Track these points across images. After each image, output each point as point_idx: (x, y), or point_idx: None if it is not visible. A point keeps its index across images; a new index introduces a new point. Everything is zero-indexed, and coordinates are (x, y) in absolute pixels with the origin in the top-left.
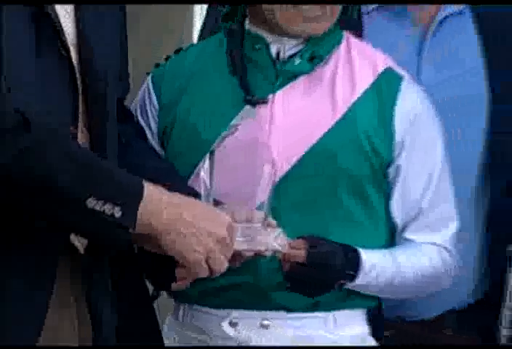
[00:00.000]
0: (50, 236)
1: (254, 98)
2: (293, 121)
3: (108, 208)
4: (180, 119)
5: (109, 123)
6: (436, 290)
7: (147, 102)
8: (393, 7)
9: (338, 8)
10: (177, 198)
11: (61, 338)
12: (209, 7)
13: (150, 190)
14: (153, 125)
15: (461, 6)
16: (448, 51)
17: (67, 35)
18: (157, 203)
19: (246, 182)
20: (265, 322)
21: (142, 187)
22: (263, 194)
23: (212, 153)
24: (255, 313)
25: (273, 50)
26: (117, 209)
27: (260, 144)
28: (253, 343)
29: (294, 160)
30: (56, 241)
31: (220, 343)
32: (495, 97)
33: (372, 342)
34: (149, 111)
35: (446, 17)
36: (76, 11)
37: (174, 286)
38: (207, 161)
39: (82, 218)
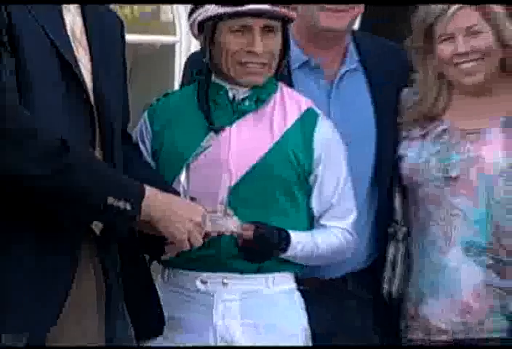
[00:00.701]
0: (75, 224)
1: (216, 127)
2: (244, 144)
3: (121, 203)
4: (166, 142)
5: (116, 145)
6: (341, 259)
7: (143, 129)
8: (311, 66)
9: (274, 66)
10: (166, 195)
11: (83, 294)
12: (184, 69)
13: (148, 190)
14: (148, 146)
15: (355, 65)
16: (347, 96)
17: (87, 84)
18: (154, 200)
19: (211, 186)
20: (225, 281)
21: (143, 189)
22: (223, 193)
23: (187, 166)
24: (218, 274)
25: (230, 94)
26: (127, 204)
27: (221, 159)
28: (216, 295)
29: (244, 171)
30: (79, 227)
31: (193, 295)
32: (379, 129)
33: (298, 295)
34: (145, 136)
35: (345, 72)
36: (92, 67)
37: (163, 256)
38: (185, 171)
39: (104, 210)
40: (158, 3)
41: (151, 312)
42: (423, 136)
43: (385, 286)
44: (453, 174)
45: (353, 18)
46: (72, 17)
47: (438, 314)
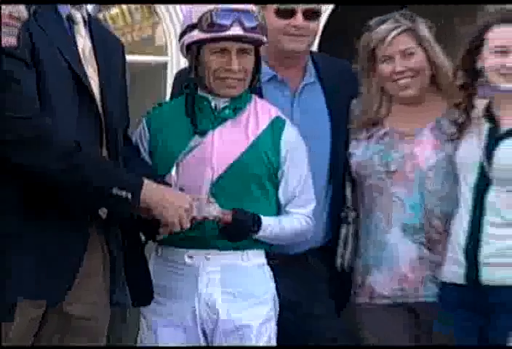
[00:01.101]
0: (86, 209)
1: (201, 131)
2: (224, 145)
3: (123, 193)
4: (160, 143)
5: (119, 146)
6: (302, 239)
7: (142, 133)
8: (278, 80)
9: (248, 80)
10: (160, 187)
11: (92, 265)
12: (173, 81)
13: (146, 182)
14: (146, 146)
15: (313, 79)
16: (307, 105)
17: (95, 96)
18: (150, 190)
19: (197, 179)
20: (208, 256)
21: (142, 181)
22: (207, 186)
23: (178, 163)
24: (202, 251)
25: (213, 104)
26: (129, 193)
27: (205, 158)
28: (201, 267)
29: (224, 168)
30: (90, 212)
31: (181, 267)
32: (333, 132)
33: (267, 268)
34: (143, 139)
35: (305, 85)
36: (99, 82)
37: (158, 236)
38: (175, 167)
39: (109, 199)
40: (156, 4)
41: (144, 284)
42: (368, 138)
43: (339, 260)
44: (392, 168)
45: (311, 42)
46: (83, 40)
47: (381, 283)
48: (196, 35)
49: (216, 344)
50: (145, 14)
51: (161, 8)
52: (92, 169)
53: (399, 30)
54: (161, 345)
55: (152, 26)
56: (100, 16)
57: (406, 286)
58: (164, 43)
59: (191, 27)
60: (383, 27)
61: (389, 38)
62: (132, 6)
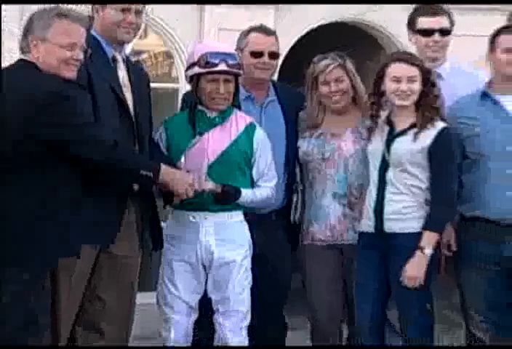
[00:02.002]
0: (124, 184)
1: (200, 132)
2: (215, 141)
3: (148, 173)
4: (172, 141)
5: (146, 143)
6: (269, 203)
7: (160, 134)
8: (251, 98)
9: (231, 99)
10: (173, 169)
11: (129, 220)
12: (182, 100)
13: (163, 166)
14: (163, 143)
15: (274, 98)
16: (270, 115)
17: (130, 110)
18: (166, 171)
19: (197, 164)
20: (205, 216)
21: (160, 166)
22: (204, 168)
23: (185, 154)
24: (201, 212)
25: (207, 115)
26: (151, 174)
27: (203, 150)
28: (201, 223)
29: (216, 156)
30: (127, 186)
31: (188, 223)
32: (288, 133)
33: (245, 223)
34: (162, 138)
35: (268, 102)
36: (133, 101)
37: (173, 203)
38: (183, 156)
39: (139, 178)
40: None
41: (158, 235)
42: (310, 136)
43: (292, 216)
44: (326, 156)
45: (273, 73)
46: (122, 73)
47: (318, 231)
48: (197, 70)
49: (211, 274)
50: (164, 57)
51: (174, 54)
52: (127, 158)
53: (334, 64)
54: (176, 275)
55: (169, 65)
56: (135, 58)
57: (335, 234)
58: (176, 76)
59: (193, 65)
60: (323, 62)
61: (328, 69)
62: (160, 57)
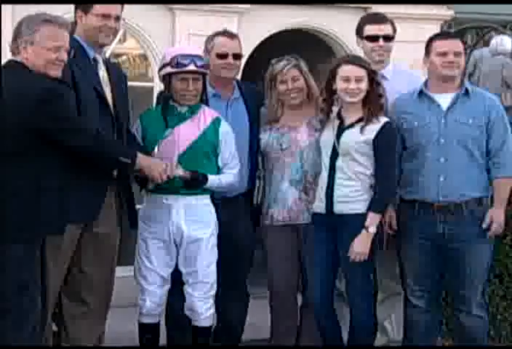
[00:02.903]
0: (105, 169)
1: (171, 125)
2: (185, 133)
3: (126, 160)
4: (147, 133)
5: (124, 134)
6: (233, 188)
7: (137, 127)
8: (217, 95)
9: (199, 96)
10: (148, 157)
11: (109, 200)
12: (156, 98)
13: (139, 154)
14: (139, 134)
15: (238, 95)
16: (234, 111)
17: (110, 105)
18: (142, 159)
19: (169, 153)
20: (176, 198)
21: (136, 154)
22: (175, 157)
23: (158, 144)
24: (173, 195)
25: (178, 110)
26: (129, 160)
27: (175, 141)
28: (172, 205)
29: (186, 146)
30: (107, 171)
31: (161, 205)
32: (250, 127)
33: (211, 205)
34: (138, 130)
35: (234, 99)
36: (112, 96)
37: (147, 187)
38: (157, 146)
39: (118, 164)
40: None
41: (133, 215)
42: (270, 129)
43: (254, 199)
44: (284, 147)
45: (237, 72)
46: (102, 72)
47: (277, 212)
48: (169, 70)
49: (182, 250)
50: (140, 60)
51: (150, 56)
52: (106, 146)
53: (290, 65)
54: (150, 251)
55: (145, 66)
56: (115, 60)
57: (292, 215)
58: (152, 76)
59: (165, 65)
60: (281, 63)
61: (285, 70)
62: (137, 59)
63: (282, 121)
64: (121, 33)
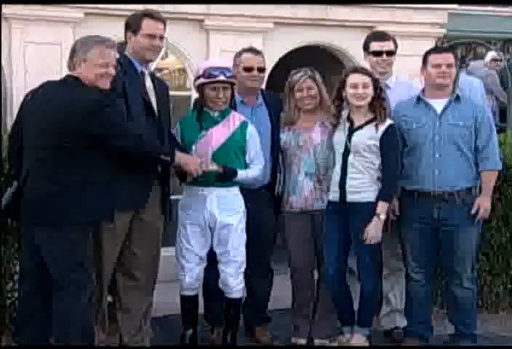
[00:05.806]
0: (150, 166)
1: (206, 127)
2: (217, 134)
3: (166, 158)
4: (186, 135)
5: (166, 136)
6: (259, 181)
7: (176, 130)
8: (244, 102)
9: (228, 102)
10: (186, 155)
11: (155, 190)
12: (193, 105)
13: (178, 153)
14: (179, 136)
15: (261, 102)
16: (259, 116)
17: (155, 111)
18: (180, 156)
19: (204, 152)
20: (211, 190)
21: (175, 152)
22: (209, 155)
23: (194, 144)
24: (208, 187)
25: (211, 114)
26: (169, 158)
27: (208, 141)
28: (207, 196)
29: (218, 146)
30: (152, 167)
31: (197, 195)
32: (272, 129)
33: (241, 196)
34: (177, 132)
35: (258, 105)
36: (157, 104)
37: (186, 181)
38: (193, 146)
39: (159, 161)
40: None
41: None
42: (288, 130)
43: (276, 189)
44: (300, 144)
45: (262, 82)
46: (148, 83)
47: (295, 201)
48: (202, 80)
49: (215, 234)
50: (180, 73)
51: (187, 70)
52: (150, 147)
53: (306, 76)
54: (189, 234)
55: (184, 78)
56: (158, 74)
57: (307, 203)
58: (189, 86)
59: (199, 77)
60: (298, 74)
61: (301, 80)
62: (177, 72)
63: (298, 123)
64: (163, 50)
